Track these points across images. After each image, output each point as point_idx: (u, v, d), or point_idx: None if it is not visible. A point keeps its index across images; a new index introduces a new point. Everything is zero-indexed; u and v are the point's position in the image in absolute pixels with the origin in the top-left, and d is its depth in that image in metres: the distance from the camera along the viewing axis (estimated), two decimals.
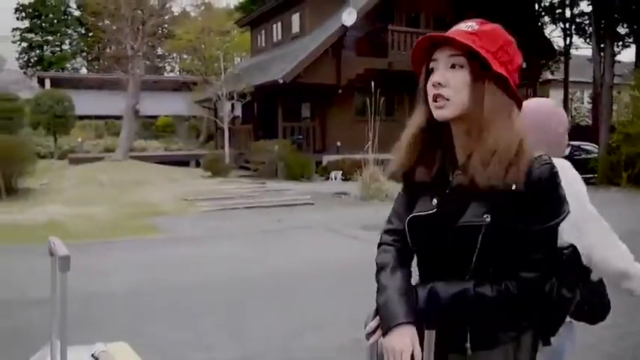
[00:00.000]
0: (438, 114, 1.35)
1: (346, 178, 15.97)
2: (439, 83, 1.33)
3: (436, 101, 1.35)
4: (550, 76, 28.70)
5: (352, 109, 19.33)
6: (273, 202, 12.48)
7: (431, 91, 1.36)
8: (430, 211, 1.40)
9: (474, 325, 1.42)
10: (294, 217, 10.78)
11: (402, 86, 16.26)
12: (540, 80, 27.16)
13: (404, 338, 1.35)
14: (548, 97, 31.75)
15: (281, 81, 16.83)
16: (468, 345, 1.42)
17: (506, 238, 1.32)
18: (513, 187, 1.28)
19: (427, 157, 1.41)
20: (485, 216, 1.32)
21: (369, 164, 13.29)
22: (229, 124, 20.03)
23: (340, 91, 18.58)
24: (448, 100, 1.33)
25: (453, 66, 1.33)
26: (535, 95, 26.18)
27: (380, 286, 1.48)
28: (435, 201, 1.40)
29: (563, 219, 1.35)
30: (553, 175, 1.33)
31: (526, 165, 1.30)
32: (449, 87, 1.33)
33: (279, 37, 23.06)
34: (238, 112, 24.13)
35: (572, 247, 1.51)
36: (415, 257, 1.52)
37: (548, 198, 1.33)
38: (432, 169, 1.41)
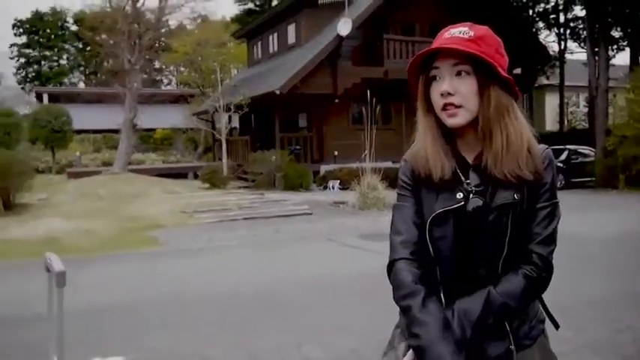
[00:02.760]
0: (451, 122, 1.40)
1: (344, 187, 15.95)
2: (449, 92, 1.37)
3: (446, 109, 1.39)
4: (545, 81, 28.80)
5: (349, 118, 19.36)
6: (271, 212, 12.46)
7: (440, 101, 1.40)
8: (458, 204, 1.41)
9: (512, 324, 1.41)
10: (293, 227, 10.75)
11: (398, 94, 16.30)
12: (536, 85, 27.29)
13: None
14: (544, 102, 31.74)
15: (278, 92, 16.86)
16: (513, 347, 1.40)
17: (528, 217, 1.40)
18: (532, 176, 1.38)
19: (446, 159, 1.45)
20: (515, 195, 1.38)
21: (366, 173, 13.29)
22: (227, 135, 20.04)
23: (337, 100, 18.62)
24: (459, 107, 1.38)
25: (458, 73, 1.38)
26: (530, 101, 26.30)
27: (414, 319, 1.37)
28: (459, 195, 1.42)
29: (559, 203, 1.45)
30: (553, 158, 1.44)
31: (538, 153, 1.41)
32: (458, 95, 1.38)
33: (276, 49, 23.13)
34: (236, 123, 24.17)
35: None
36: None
37: (553, 177, 1.43)
38: (451, 169, 1.44)
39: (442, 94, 1.38)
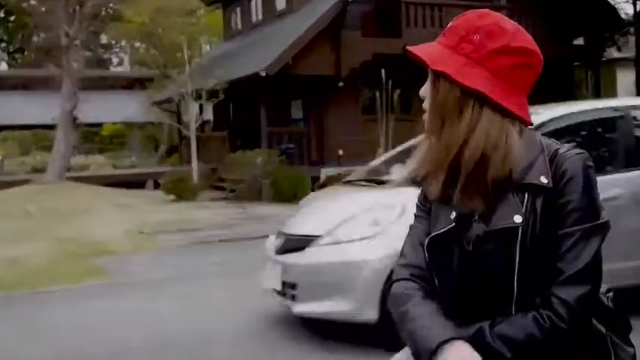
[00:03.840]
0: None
1: None
2: (421, 96, 1.62)
3: None
4: (616, 54, 28.81)
5: (358, 106, 19.42)
6: (256, 232, 12.41)
7: None
8: (450, 226, 1.49)
9: None
10: None
11: (421, 75, 16.34)
12: (604, 60, 27.28)
13: (465, 350, 1.35)
14: (615, 80, 31.50)
15: (264, 73, 16.88)
16: None
17: (547, 247, 1.39)
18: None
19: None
20: (515, 216, 1.40)
21: None
22: (197, 131, 20.07)
23: (341, 83, 18.64)
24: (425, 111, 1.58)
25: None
26: (597, 79, 26.28)
27: (407, 316, 1.49)
28: (453, 214, 1.49)
29: (604, 226, 1.41)
30: (583, 169, 1.42)
31: (518, 158, 1.41)
32: (427, 98, 1.60)
33: (260, 17, 23.22)
34: (209, 115, 24.21)
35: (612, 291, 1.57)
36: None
37: (583, 193, 1.41)
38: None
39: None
